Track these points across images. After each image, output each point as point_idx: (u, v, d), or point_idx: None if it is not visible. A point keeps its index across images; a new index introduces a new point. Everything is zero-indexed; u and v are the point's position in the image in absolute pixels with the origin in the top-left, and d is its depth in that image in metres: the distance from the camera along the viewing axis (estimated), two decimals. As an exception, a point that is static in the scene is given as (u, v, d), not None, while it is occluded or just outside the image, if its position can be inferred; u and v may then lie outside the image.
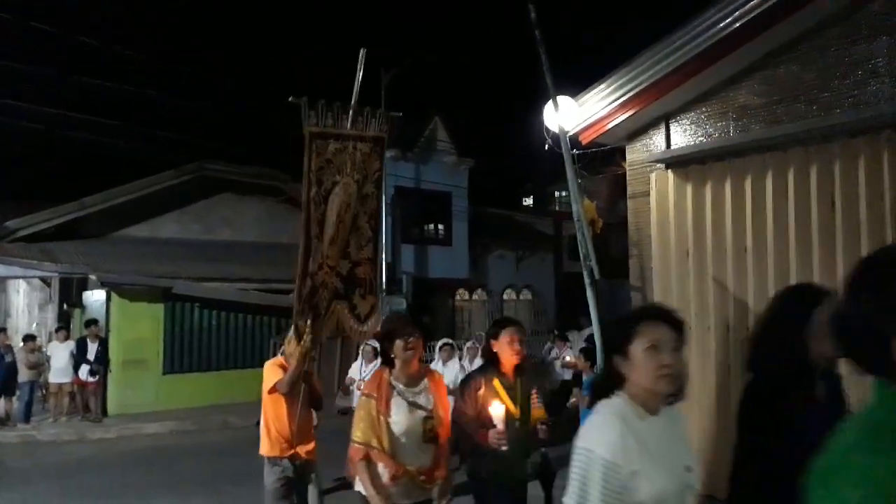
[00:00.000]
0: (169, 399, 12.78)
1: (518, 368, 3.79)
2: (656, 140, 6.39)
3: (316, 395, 4.70)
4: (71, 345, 11.72)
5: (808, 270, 5.25)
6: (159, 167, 14.76)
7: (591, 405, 6.79)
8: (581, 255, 6.12)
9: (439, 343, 8.89)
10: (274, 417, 4.63)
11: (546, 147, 6.30)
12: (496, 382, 3.69)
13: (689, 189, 6.00)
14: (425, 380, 3.56)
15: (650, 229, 6.26)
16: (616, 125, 6.33)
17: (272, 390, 4.54)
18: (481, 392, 3.67)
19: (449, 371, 7.74)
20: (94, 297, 13.27)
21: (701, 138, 6.09)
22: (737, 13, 5.46)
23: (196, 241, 15.06)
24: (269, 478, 4.60)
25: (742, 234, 5.65)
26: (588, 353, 6.93)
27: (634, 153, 6.54)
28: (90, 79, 13.55)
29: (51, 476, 8.37)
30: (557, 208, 25.15)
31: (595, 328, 6.39)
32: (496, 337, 3.81)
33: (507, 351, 3.74)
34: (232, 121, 21.60)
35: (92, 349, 11.63)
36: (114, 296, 12.74)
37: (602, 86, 6.23)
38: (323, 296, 4.11)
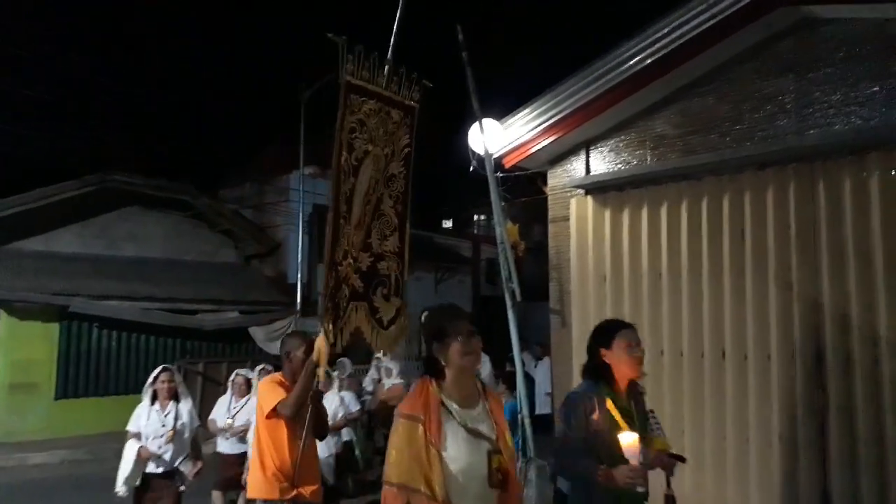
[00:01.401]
0: (62, 426, 11.88)
1: (631, 385, 3.05)
2: (577, 166, 6.49)
3: (322, 420, 3.88)
4: (-50, 367, 10.73)
5: (719, 296, 5.42)
6: (59, 177, 13.85)
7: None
8: (503, 278, 6.11)
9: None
10: (271, 448, 3.78)
11: (471, 168, 6.28)
12: (609, 404, 2.88)
13: (607, 214, 6.11)
14: (482, 400, 2.64)
15: (569, 253, 6.33)
16: (539, 149, 6.39)
17: (271, 414, 3.73)
18: (595, 416, 2.86)
19: (328, 402, 6.50)
20: (-20, 315, 12.22)
21: (619, 165, 6.23)
22: (654, 46, 5.64)
23: (98, 256, 14.17)
24: None
25: (658, 259, 5.79)
26: (508, 377, 6.90)
27: (556, 178, 6.62)
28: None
29: (-81, 513, 7.55)
30: (476, 231, 25.40)
31: (515, 351, 6.38)
32: (608, 345, 2.99)
33: (626, 361, 2.94)
34: (139, 127, 20.65)
35: (-26, 372, 10.70)
36: (2, 314, 11.79)
37: (526, 110, 6.29)
38: (343, 294, 3.35)
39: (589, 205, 6.19)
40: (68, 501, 8.03)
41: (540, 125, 6.27)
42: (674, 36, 5.50)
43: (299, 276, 14.97)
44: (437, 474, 2.37)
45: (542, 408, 11.63)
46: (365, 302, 3.42)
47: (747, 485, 5.11)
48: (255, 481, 3.82)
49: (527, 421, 6.10)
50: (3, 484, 9.09)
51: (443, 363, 2.58)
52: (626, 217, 6.00)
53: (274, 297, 15.22)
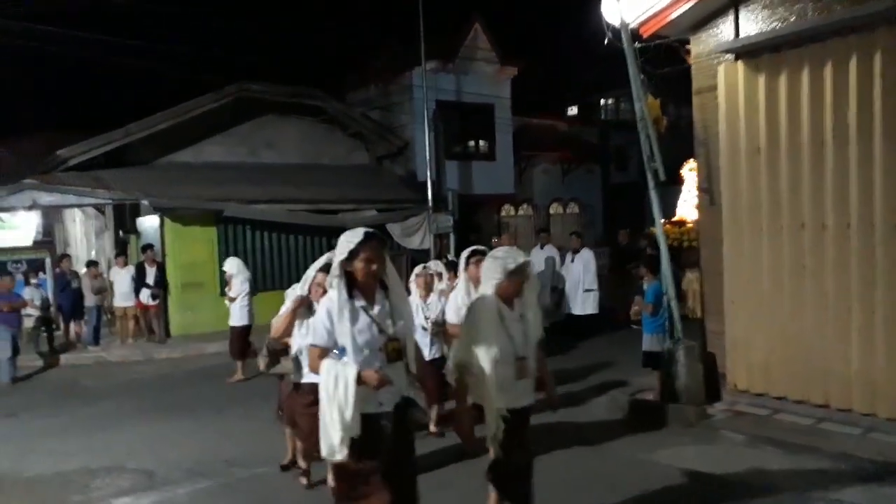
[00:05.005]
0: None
1: None
2: (724, 29, 5.97)
3: None
4: (131, 270, 12.03)
5: (894, 162, 4.91)
6: (202, 90, 14.61)
7: (654, 312, 6.61)
8: (645, 156, 5.85)
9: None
10: None
11: (605, 41, 5.92)
12: None
13: (761, 80, 5.63)
14: None
15: (718, 126, 5.94)
16: (681, 14, 5.92)
17: None
18: None
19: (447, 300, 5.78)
20: (148, 223, 13.50)
21: (775, 24, 5.65)
22: None
23: (241, 163, 15.04)
24: None
25: (820, 126, 5.31)
26: (651, 260, 6.75)
27: (700, 44, 6.13)
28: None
29: (124, 393, 8.73)
30: (603, 117, 24.34)
31: (658, 232, 6.19)
32: None
33: None
34: (269, 38, 21.15)
35: (150, 273, 11.91)
36: (167, 221, 12.92)
37: (666, -30, 5.79)
38: None
39: (739, 71, 5.71)
40: (248, 381, 8.96)
41: (682, -14, 5.77)
42: None
43: (428, 173, 15.18)
44: None
45: (584, 307, 10.15)
46: None
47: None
48: None
49: (673, 303, 5.98)
50: (189, 369, 10.36)
51: None
52: (782, 81, 5.49)
53: (406, 195, 15.59)
